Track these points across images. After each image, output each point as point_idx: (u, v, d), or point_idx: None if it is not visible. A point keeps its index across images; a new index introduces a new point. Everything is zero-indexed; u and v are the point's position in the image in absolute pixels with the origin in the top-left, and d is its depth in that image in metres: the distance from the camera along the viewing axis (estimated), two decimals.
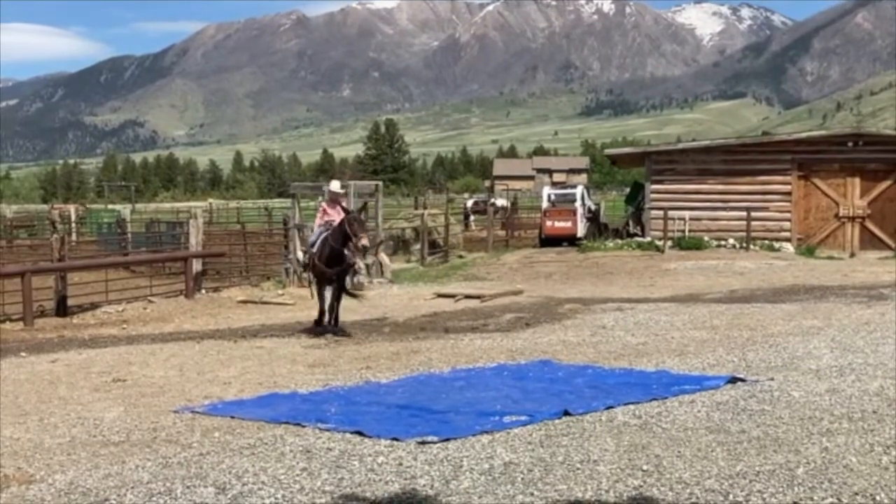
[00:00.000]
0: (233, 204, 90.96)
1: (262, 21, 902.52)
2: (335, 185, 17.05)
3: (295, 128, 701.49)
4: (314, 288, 16.31)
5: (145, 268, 26.54)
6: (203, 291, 22.86)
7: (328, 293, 15.44)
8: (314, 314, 16.17)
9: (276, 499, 6.50)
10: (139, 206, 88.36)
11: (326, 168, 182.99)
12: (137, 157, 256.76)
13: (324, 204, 16.52)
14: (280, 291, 23.07)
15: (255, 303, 21.29)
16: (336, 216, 15.54)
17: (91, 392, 10.85)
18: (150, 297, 21.71)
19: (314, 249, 15.41)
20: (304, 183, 44.73)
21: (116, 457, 7.76)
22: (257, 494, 6.59)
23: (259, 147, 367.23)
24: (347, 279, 23.59)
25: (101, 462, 7.61)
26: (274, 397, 10.16)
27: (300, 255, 17.08)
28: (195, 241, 23.88)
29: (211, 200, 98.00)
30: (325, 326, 15.44)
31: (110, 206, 69.66)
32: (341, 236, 14.84)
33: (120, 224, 33.26)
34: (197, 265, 23.15)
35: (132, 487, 6.84)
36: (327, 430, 8.44)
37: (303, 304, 20.82)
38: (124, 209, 52.00)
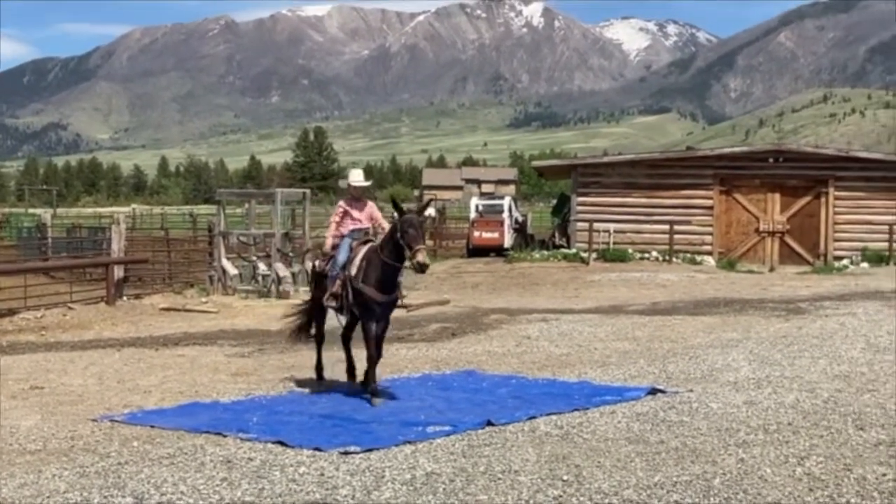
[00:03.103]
0: (157, 210, 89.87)
1: (190, 26, 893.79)
2: (357, 176, 11.70)
3: (222, 133, 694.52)
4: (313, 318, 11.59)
5: (65, 274, 26.05)
6: (124, 298, 22.52)
7: (372, 332, 10.43)
8: (238, 322, 15.91)
9: None
10: (61, 210, 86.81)
11: (254, 175, 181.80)
12: (60, 161, 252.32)
13: (342, 203, 11.38)
14: (204, 299, 22.82)
15: (177, 310, 21.01)
16: (365, 219, 11.16)
17: (8, 399, 10.62)
18: (69, 304, 21.31)
19: (353, 269, 10.46)
20: (230, 189, 44.36)
21: (33, 465, 7.62)
22: None
23: (185, 152, 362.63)
24: (273, 287, 23.65)
25: (16, 471, 7.46)
26: (195, 406, 10.06)
27: (309, 265, 11.77)
28: (117, 246, 23.53)
29: (134, 206, 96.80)
30: (358, 383, 10.94)
31: (31, 211, 68.37)
32: (396, 249, 10.25)
33: (40, 229, 32.63)
34: (119, 271, 22.80)
35: (48, 497, 6.72)
36: (249, 439, 8.38)
37: (227, 312, 20.65)
38: (45, 214, 50.98)
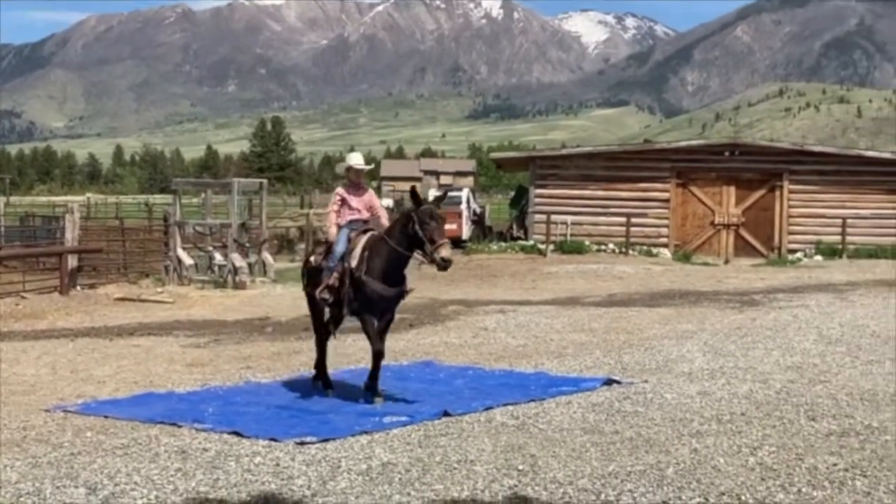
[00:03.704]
0: (112, 199, 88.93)
1: (147, 13, 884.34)
2: (356, 159, 10.63)
3: (178, 122, 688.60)
4: (314, 316, 10.49)
5: (18, 263, 25.74)
6: (78, 288, 22.28)
7: (374, 327, 9.67)
8: (194, 312, 15.81)
9: (148, 499, 6.41)
10: (14, 199, 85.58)
11: (210, 164, 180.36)
12: (13, 149, 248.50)
13: (341, 190, 10.33)
14: (159, 289, 22.64)
15: (132, 300, 20.83)
16: (363, 209, 10.18)
17: None
18: (22, 293, 21.05)
19: (353, 260, 9.62)
20: (186, 179, 43.99)
21: None
22: (129, 495, 6.48)
23: (141, 141, 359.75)
24: (229, 278, 23.51)
25: None
26: (149, 397, 9.99)
27: (314, 259, 10.29)
28: (71, 236, 23.27)
29: (89, 195, 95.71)
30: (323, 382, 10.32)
31: None
32: (407, 239, 9.47)
33: None
34: (73, 261, 22.55)
35: (0, 487, 6.65)
36: (204, 430, 8.34)
37: (182, 302, 20.52)
38: None
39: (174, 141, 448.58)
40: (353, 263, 9.59)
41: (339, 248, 9.81)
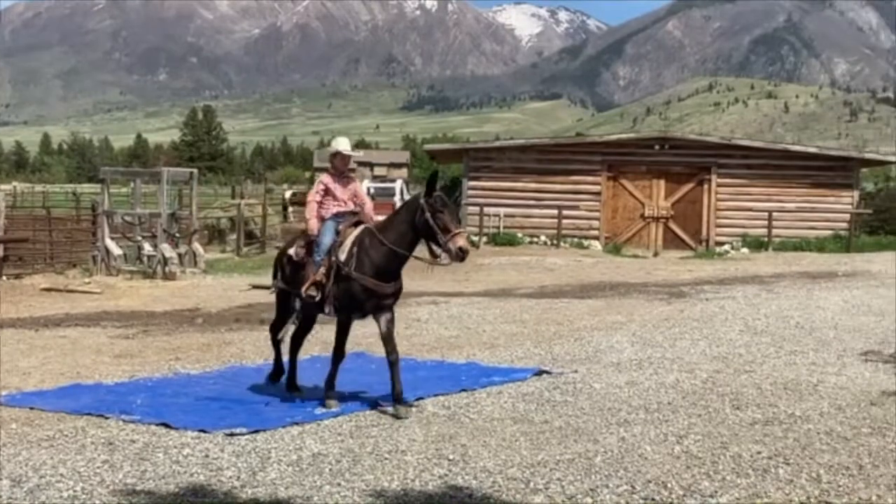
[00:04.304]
0: (39, 188, 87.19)
1: (75, 0, 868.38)
2: (344, 144, 9.57)
3: (107, 111, 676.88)
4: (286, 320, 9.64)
5: None
6: (4, 278, 21.85)
7: (347, 332, 9.19)
8: (122, 303, 15.55)
9: (74, 492, 6.32)
10: None
11: (140, 154, 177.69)
12: None
13: (325, 178, 9.35)
14: (87, 280, 22.31)
15: (59, 291, 20.49)
16: (348, 199, 9.28)
17: None
18: None
19: (342, 254, 8.79)
20: (115, 168, 43.30)
21: None
22: (55, 487, 6.39)
23: (69, 130, 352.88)
24: (158, 268, 23.24)
25: None
26: (76, 388, 9.85)
27: (294, 252, 9.22)
28: None
29: (15, 184, 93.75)
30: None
31: None
32: (413, 232, 8.67)
33: None
34: None
35: None
36: (132, 421, 8.25)
37: (110, 293, 20.24)
38: None
39: (103, 129, 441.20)
40: (342, 257, 8.77)
41: (327, 240, 8.94)
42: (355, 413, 8.59)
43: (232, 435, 7.76)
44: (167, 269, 22.90)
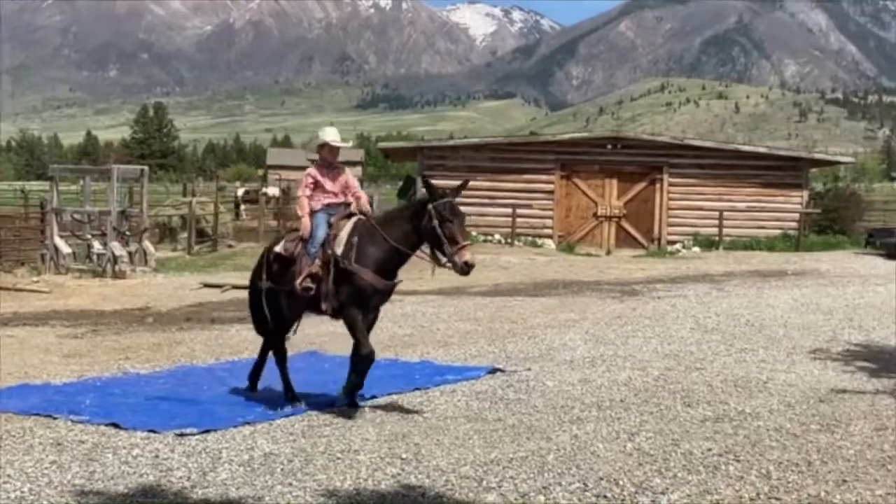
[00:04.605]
0: None
1: None
2: (332, 135, 9.24)
3: (57, 108, 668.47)
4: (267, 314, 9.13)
5: None
6: None
7: (363, 325, 8.68)
8: (71, 302, 15.36)
9: (21, 493, 6.23)
10: None
11: (90, 151, 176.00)
12: None
13: (313, 171, 8.97)
14: (35, 278, 22.01)
15: (7, 289, 20.18)
16: (339, 191, 8.93)
17: None
18: None
19: (338, 247, 8.43)
20: (64, 165, 42.77)
21: None
22: (2, 489, 6.31)
23: (17, 126, 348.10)
24: (108, 266, 22.97)
25: None
26: (24, 388, 9.71)
27: (284, 247, 8.82)
28: None
29: None
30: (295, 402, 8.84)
31: None
32: (417, 235, 8.38)
33: None
34: None
35: None
36: (80, 422, 8.15)
37: (59, 291, 19.99)
38: None
39: (52, 126, 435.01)
40: (339, 250, 8.38)
41: (320, 233, 8.56)
42: (308, 413, 8.54)
43: (182, 435, 7.69)
44: (117, 267, 22.64)
